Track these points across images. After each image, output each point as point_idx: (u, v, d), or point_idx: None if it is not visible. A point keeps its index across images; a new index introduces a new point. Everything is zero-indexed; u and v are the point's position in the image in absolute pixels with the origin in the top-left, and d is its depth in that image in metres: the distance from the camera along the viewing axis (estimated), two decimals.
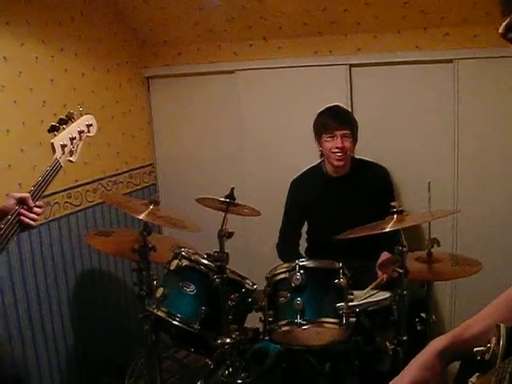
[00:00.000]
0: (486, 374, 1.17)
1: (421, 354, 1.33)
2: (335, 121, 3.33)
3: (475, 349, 1.24)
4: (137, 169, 4.20)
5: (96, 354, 3.71)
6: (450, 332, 1.35)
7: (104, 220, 3.84)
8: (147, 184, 4.31)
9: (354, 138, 3.38)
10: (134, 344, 3.66)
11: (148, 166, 4.33)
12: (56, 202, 3.40)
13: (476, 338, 1.30)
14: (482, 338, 1.27)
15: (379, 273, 3.18)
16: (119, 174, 3.99)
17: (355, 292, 2.76)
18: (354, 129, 3.38)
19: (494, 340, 1.19)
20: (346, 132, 3.31)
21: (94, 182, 3.73)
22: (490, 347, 1.20)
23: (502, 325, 1.20)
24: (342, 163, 3.36)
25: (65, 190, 3.46)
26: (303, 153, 3.72)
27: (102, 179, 3.81)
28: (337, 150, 3.32)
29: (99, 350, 3.74)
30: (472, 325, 1.35)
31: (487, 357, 1.19)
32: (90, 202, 3.69)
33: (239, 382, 2.69)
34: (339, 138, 3.30)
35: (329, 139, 3.34)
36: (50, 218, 3.37)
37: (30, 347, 3.23)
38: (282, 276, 2.70)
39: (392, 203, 2.70)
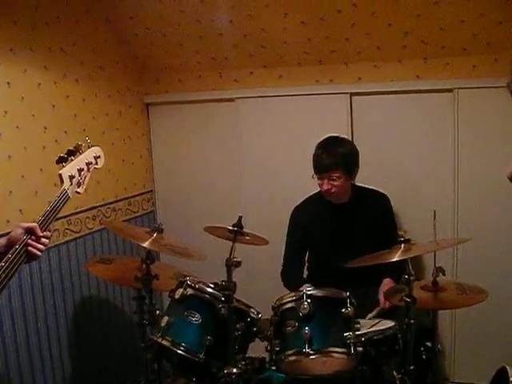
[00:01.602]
0: None
1: None
2: (322, 162, 3.30)
3: None
4: (136, 196, 4.18)
5: (93, 382, 3.66)
6: None
7: (103, 247, 3.80)
8: (146, 211, 4.29)
9: (348, 174, 3.33)
10: (132, 372, 3.63)
11: (147, 192, 4.32)
12: (56, 229, 3.36)
13: None
14: None
15: (381, 300, 3.18)
16: (118, 200, 3.97)
17: (361, 321, 2.76)
18: (346, 166, 3.31)
19: None
20: (332, 175, 3.29)
21: (93, 208, 3.70)
22: None
23: None
24: (333, 199, 3.40)
25: (65, 217, 3.43)
26: (304, 181, 3.70)
27: (101, 206, 3.78)
28: (324, 191, 3.35)
29: (97, 378, 3.69)
30: None
31: None
32: (89, 228, 3.66)
33: None
34: (326, 180, 3.31)
35: (319, 180, 3.36)
36: (50, 245, 3.31)
37: (28, 375, 3.17)
38: (289, 305, 2.69)
39: (399, 232, 2.71)
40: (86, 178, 2.42)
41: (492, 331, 3.62)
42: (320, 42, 3.62)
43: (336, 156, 3.29)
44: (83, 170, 2.38)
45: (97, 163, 2.51)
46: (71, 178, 2.28)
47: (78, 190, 2.35)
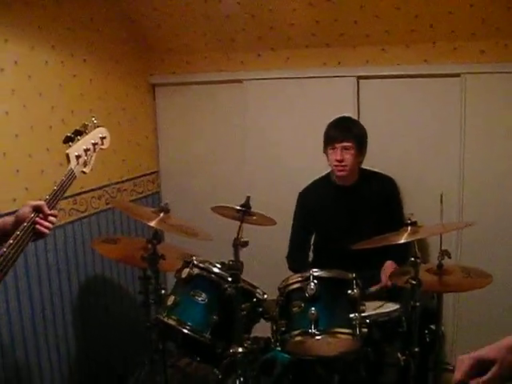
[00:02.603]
0: None
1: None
2: (336, 133, 3.36)
3: None
4: (141, 176, 4.19)
5: (99, 362, 3.69)
6: None
7: (108, 227, 3.81)
8: (151, 192, 4.30)
9: (359, 151, 3.37)
10: (138, 352, 3.64)
11: (152, 173, 4.33)
12: (62, 209, 3.36)
13: None
14: None
15: (383, 279, 3.20)
16: (124, 181, 3.98)
17: (366, 303, 2.77)
18: (358, 141, 3.36)
19: None
20: (346, 144, 3.32)
21: (99, 188, 3.71)
22: None
23: None
24: (342, 174, 3.38)
25: (71, 197, 3.43)
26: (309, 163, 3.74)
27: (107, 186, 3.79)
28: (336, 162, 3.34)
29: (102, 357, 3.72)
30: None
31: None
32: (95, 208, 3.67)
33: None
34: (339, 150, 3.32)
35: (331, 151, 3.37)
36: (56, 224, 3.32)
37: (33, 355, 3.20)
38: (296, 286, 2.71)
39: (406, 214, 2.72)
40: (92, 158, 2.43)
41: (495, 316, 3.63)
42: (328, 25, 3.61)
43: (350, 130, 3.36)
44: (89, 150, 2.39)
45: (103, 144, 2.53)
46: (78, 157, 2.30)
47: (84, 169, 2.38)
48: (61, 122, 3.33)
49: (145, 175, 4.24)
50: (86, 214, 3.60)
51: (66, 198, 3.39)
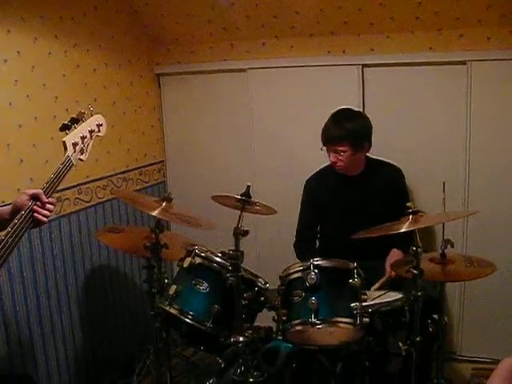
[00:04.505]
0: None
1: (497, 369, 1.35)
2: (328, 136, 3.31)
3: None
4: (147, 166, 4.19)
5: (104, 351, 3.72)
6: None
7: (114, 216, 3.83)
8: (157, 181, 4.31)
9: (355, 149, 3.30)
10: (142, 341, 3.67)
11: (158, 163, 4.33)
12: (66, 198, 3.39)
13: None
14: None
15: (387, 269, 3.19)
16: (129, 170, 3.99)
17: (368, 292, 2.76)
18: (353, 141, 3.28)
19: None
20: (338, 148, 3.28)
21: (104, 178, 3.73)
22: None
23: None
24: (339, 170, 3.39)
25: (75, 186, 3.46)
26: (313, 152, 3.69)
27: (112, 176, 3.80)
28: (331, 162, 3.36)
29: (107, 346, 3.75)
30: None
31: None
32: (100, 198, 3.69)
33: (251, 380, 2.68)
34: (332, 153, 3.32)
35: (327, 151, 3.36)
36: (61, 214, 3.36)
37: (39, 342, 3.23)
38: (297, 275, 2.69)
39: (407, 204, 2.69)
40: (89, 146, 2.45)
41: (501, 306, 3.62)
42: (332, 13, 3.58)
43: (342, 129, 3.28)
44: (86, 137, 2.41)
45: (99, 131, 2.53)
46: (74, 145, 2.32)
47: (81, 157, 2.39)
48: (65, 111, 3.33)
49: (150, 164, 4.24)
50: (90, 203, 3.62)
51: (71, 187, 3.42)
